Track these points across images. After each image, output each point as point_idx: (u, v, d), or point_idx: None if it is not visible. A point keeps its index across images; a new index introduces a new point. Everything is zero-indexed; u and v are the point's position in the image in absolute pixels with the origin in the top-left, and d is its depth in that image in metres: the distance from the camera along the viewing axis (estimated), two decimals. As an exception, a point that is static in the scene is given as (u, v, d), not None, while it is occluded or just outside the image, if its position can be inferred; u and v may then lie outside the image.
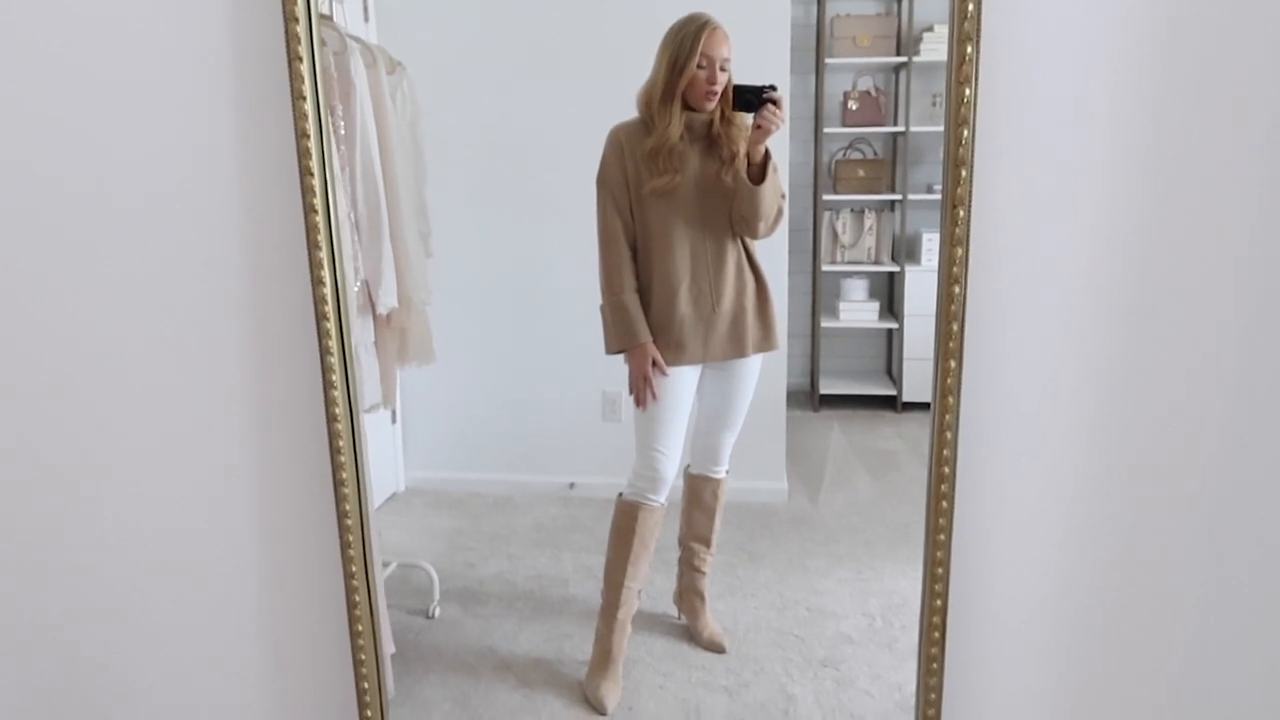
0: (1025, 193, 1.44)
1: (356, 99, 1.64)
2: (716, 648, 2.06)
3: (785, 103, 1.87)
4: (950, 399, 1.42)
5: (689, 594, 2.15)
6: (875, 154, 3.94)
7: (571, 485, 2.94)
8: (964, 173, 1.35)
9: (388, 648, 1.79)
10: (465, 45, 2.80)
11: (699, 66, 1.85)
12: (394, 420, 3.04)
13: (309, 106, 1.31)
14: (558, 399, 3.08)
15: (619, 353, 2.02)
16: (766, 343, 2.14)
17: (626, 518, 2.10)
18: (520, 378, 3.02)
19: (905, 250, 3.74)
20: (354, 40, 1.67)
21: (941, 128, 3.96)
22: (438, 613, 2.16)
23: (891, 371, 4.00)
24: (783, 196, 2.01)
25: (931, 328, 3.81)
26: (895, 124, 3.80)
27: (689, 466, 2.26)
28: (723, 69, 1.88)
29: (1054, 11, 1.37)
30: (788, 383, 3.22)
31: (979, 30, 1.33)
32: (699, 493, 2.21)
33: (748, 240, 2.06)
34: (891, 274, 3.93)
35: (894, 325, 3.83)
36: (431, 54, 2.82)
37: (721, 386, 2.17)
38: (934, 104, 3.77)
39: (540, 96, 2.86)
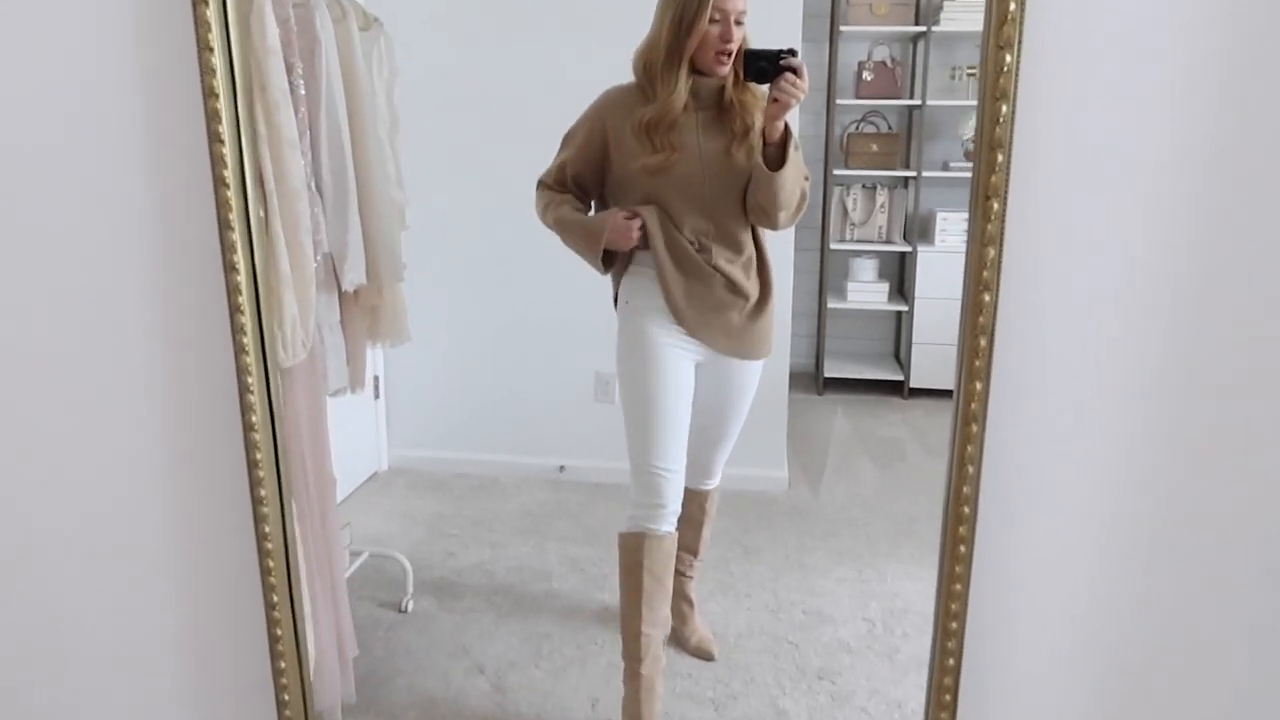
0: (1072, 183, 1.18)
1: (321, 56, 1.49)
2: (705, 655, 1.91)
3: (805, 71, 1.57)
4: (974, 426, 1.20)
5: (676, 598, 1.99)
6: (889, 128, 3.79)
7: (561, 468, 2.82)
8: (1000, 157, 1.11)
9: (350, 650, 1.67)
10: (451, 1, 2.64)
11: (711, 20, 1.56)
12: (376, 396, 2.92)
13: (218, 58, 1.13)
14: (548, 377, 2.96)
15: (599, 251, 1.71)
16: (764, 347, 1.84)
17: (632, 553, 1.75)
18: (509, 354, 2.89)
19: (918, 230, 3.60)
20: (320, -9, 1.52)
21: (961, 102, 3.81)
22: (411, 606, 2.04)
23: (899, 355, 3.86)
24: (806, 179, 1.70)
25: (943, 311, 3.68)
26: (911, 97, 3.65)
27: None
28: (738, 23, 1.59)
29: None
30: (791, 364, 3.10)
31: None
32: (685, 506, 1.92)
33: (761, 233, 1.76)
34: (903, 254, 3.78)
35: (904, 308, 3.69)
36: (414, 10, 2.67)
37: (717, 393, 1.87)
38: (953, 76, 3.60)
39: (532, 59, 2.71)
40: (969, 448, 1.22)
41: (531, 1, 2.58)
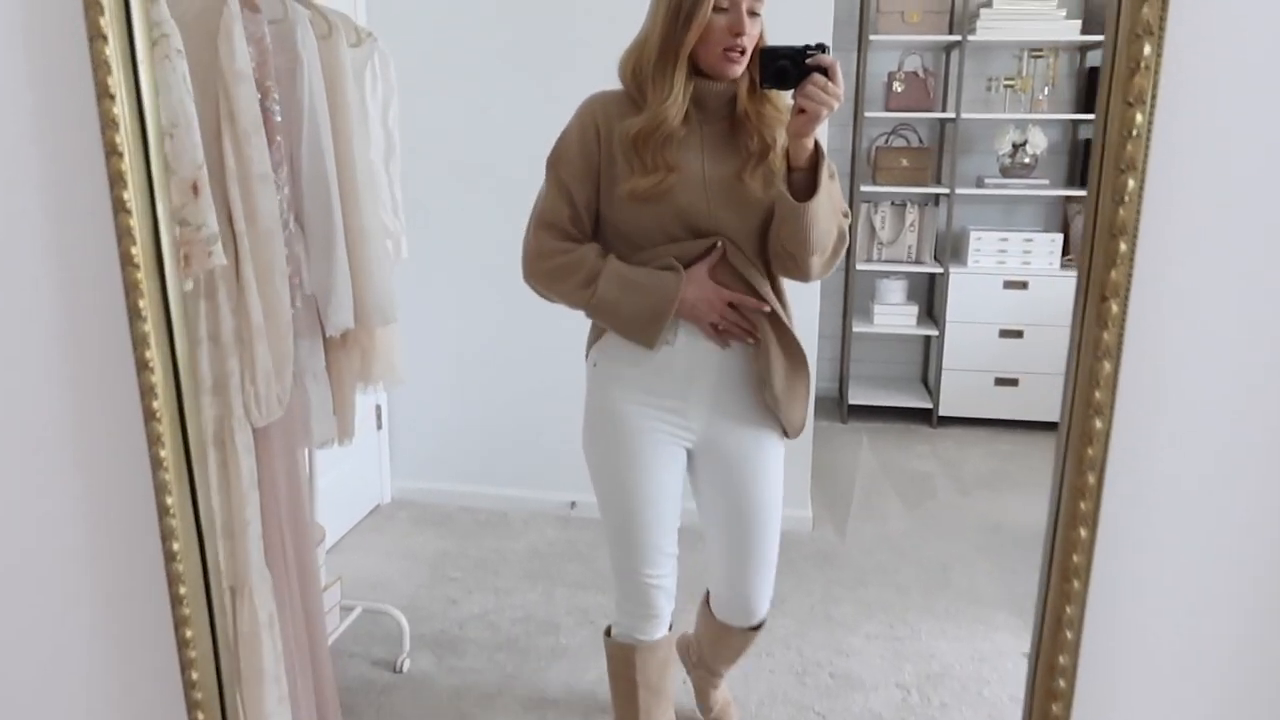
0: (1214, 281, 0.91)
1: (303, 77, 1.35)
2: (723, 727, 1.75)
3: (839, 71, 1.20)
4: (1074, 583, 0.93)
5: (701, 674, 1.71)
6: (920, 141, 3.63)
7: (572, 504, 2.68)
8: (1123, 246, 0.86)
9: (335, 726, 1.52)
10: (458, 15, 2.50)
11: (716, 9, 1.22)
12: (379, 426, 2.78)
13: (122, 107, 0.87)
14: (559, 407, 2.78)
15: (662, 322, 1.30)
16: (778, 422, 1.40)
17: (623, 665, 1.49)
18: (518, 384, 2.75)
19: (950, 249, 3.43)
20: (302, 6, 1.37)
21: (997, 115, 3.63)
22: (406, 665, 1.89)
23: (928, 381, 3.70)
24: (846, 215, 1.33)
25: (975, 336, 3.52)
26: (944, 109, 3.49)
27: (709, 600, 1.58)
28: (752, 13, 1.23)
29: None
30: (815, 389, 2.94)
31: (1164, 19, 0.82)
32: (723, 637, 1.58)
33: (780, 279, 1.37)
34: (933, 275, 3.62)
35: (933, 332, 3.53)
36: (415, 23, 2.54)
37: (726, 491, 1.43)
38: (989, 88, 3.43)
39: (544, 75, 2.57)
40: (1068, 609, 0.95)
41: (544, 16, 2.45)
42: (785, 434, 1.42)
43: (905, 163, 3.42)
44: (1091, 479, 0.90)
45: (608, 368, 1.39)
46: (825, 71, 1.19)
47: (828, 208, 1.26)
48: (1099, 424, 0.90)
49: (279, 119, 1.27)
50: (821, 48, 1.21)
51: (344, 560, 2.37)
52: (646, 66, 1.26)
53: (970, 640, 1.95)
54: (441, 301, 2.71)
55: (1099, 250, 0.87)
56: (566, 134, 1.33)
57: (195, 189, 1.08)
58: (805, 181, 1.25)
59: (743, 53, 1.24)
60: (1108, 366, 0.89)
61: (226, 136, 1.19)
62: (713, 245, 1.30)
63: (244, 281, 1.22)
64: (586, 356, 1.43)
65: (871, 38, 3.27)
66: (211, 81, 1.18)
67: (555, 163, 1.33)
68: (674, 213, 1.28)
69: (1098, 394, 0.89)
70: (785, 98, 1.28)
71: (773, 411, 1.37)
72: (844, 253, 1.33)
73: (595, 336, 1.41)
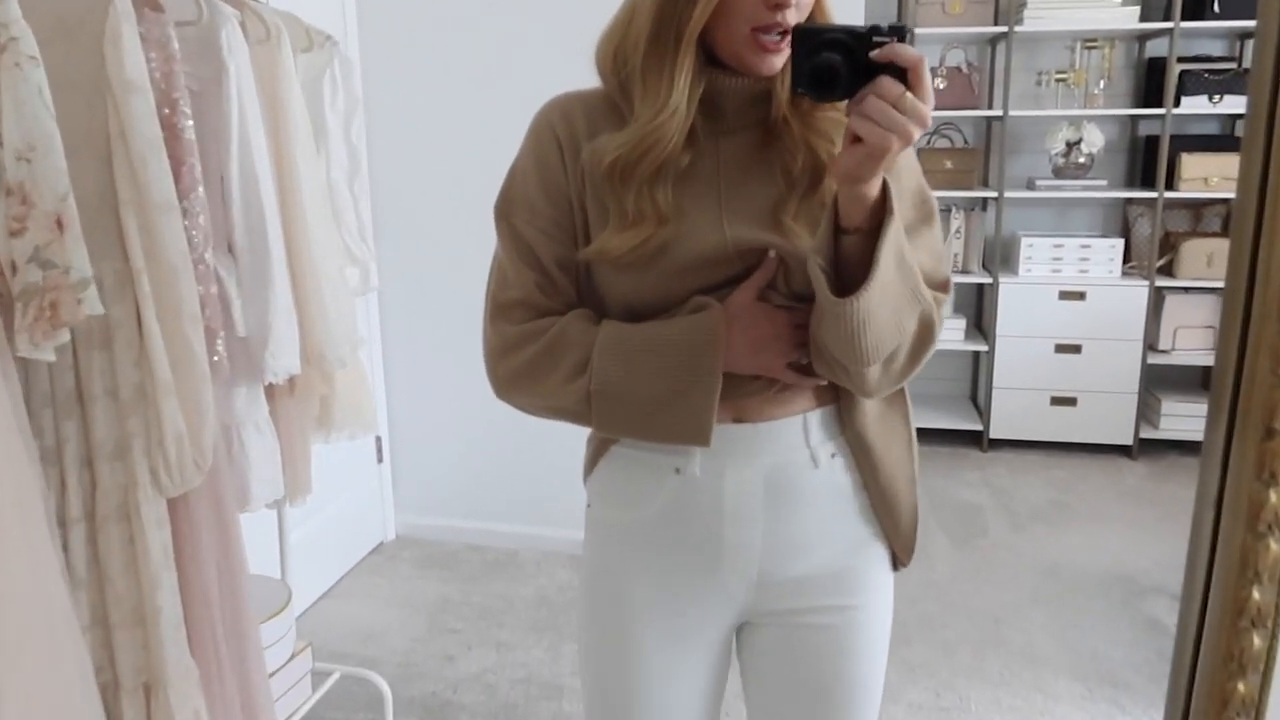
0: None
1: (231, 87, 1.16)
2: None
3: (926, 73, 0.70)
4: None
5: None
6: (965, 142, 3.38)
7: (587, 543, 2.48)
8: None
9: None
10: (451, 20, 2.32)
11: None
12: (380, 459, 2.60)
13: None
14: (574, 440, 2.59)
15: (711, 390, 0.80)
16: (899, 536, 0.92)
17: None
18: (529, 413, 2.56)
19: (1000, 257, 3.18)
20: (231, 6, 1.18)
21: (1049, 111, 3.34)
22: (389, 739, 1.70)
23: (977, 400, 3.44)
24: (944, 288, 0.85)
25: (1028, 350, 3.24)
26: (991, 106, 3.23)
27: None
28: None
29: None
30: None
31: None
32: None
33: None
34: (982, 285, 3.36)
35: (983, 347, 3.27)
36: (410, 30, 2.35)
37: (796, 680, 0.92)
38: (1039, 83, 3.17)
39: (539, 83, 2.36)
40: None
41: (543, 22, 2.26)
42: (894, 562, 0.93)
43: (949, 165, 3.17)
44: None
45: (603, 513, 0.92)
46: (902, 73, 0.70)
47: (895, 294, 0.75)
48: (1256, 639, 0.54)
49: (189, 137, 1.09)
50: (899, 32, 0.71)
51: (338, 608, 2.20)
52: (634, 54, 0.81)
53: (1028, 713, 1.71)
54: (444, 323, 2.52)
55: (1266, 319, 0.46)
56: (519, 165, 0.88)
57: (60, 224, 0.90)
58: (858, 251, 0.75)
59: (787, 34, 0.77)
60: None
61: (119, 158, 1.00)
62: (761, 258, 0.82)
63: (146, 328, 1.04)
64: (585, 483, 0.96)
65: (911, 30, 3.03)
66: (100, 94, 0.99)
67: (505, 210, 0.87)
68: (672, 276, 0.82)
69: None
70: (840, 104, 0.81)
71: (875, 515, 0.90)
72: (928, 353, 0.81)
73: (591, 460, 0.94)
